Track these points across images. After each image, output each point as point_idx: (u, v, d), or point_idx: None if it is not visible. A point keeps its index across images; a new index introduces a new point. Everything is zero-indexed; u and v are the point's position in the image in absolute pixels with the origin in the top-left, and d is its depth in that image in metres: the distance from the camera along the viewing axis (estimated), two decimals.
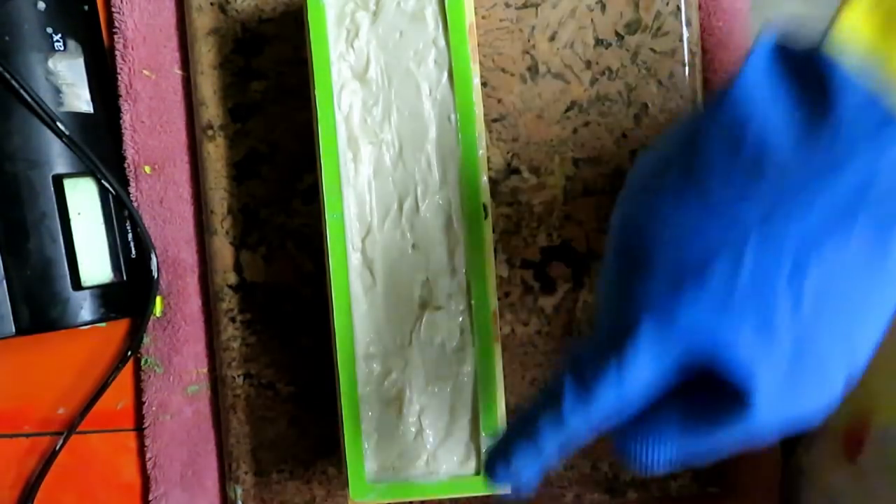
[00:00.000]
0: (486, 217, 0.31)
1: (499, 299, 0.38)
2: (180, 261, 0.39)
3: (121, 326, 0.40)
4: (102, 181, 0.37)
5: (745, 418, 0.22)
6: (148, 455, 0.39)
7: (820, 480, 0.37)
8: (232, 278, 0.38)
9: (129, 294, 0.38)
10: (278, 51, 0.38)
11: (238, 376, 0.39)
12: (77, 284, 0.36)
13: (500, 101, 0.38)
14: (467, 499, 0.38)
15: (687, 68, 0.38)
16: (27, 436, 0.40)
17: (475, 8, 0.36)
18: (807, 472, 0.38)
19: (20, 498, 0.40)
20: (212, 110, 0.38)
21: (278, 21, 0.38)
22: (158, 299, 0.39)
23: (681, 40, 0.37)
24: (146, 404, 0.39)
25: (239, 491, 0.39)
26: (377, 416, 0.31)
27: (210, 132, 0.38)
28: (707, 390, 0.22)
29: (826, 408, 0.22)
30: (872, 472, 0.33)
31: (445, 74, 0.31)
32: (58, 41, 0.36)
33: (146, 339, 0.39)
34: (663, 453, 0.24)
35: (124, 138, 0.38)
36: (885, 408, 0.33)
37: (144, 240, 0.38)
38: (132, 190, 0.39)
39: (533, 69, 0.38)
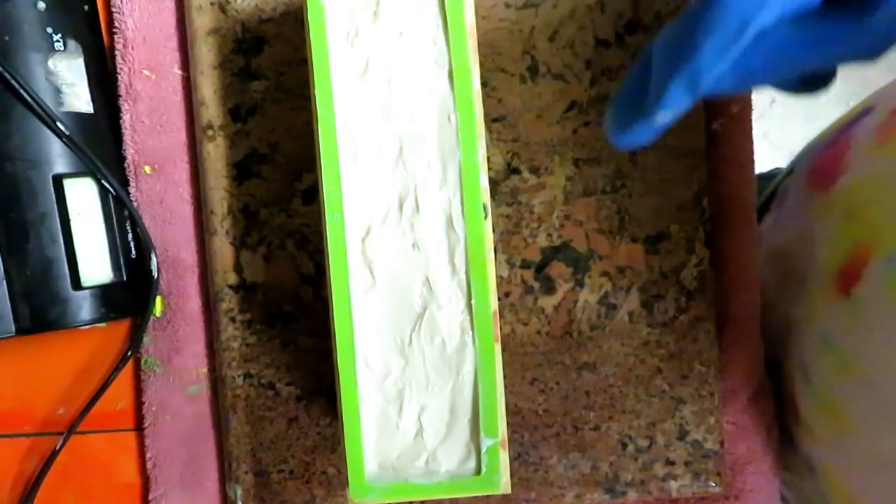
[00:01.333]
0: (486, 217, 0.31)
1: (499, 299, 0.38)
2: (180, 261, 0.39)
3: (121, 326, 0.40)
4: (102, 181, 0.37)
5: None
6: (148, 455, 0.39)
7: (811, 324, 0.38)
8: (232, 278, 0.38)
9: (129, 294, 0.38)
10: (278, 51, 0.38)
11: (238, 376, 0.39)
12: (77, 284, 0.36)
13: (500, 101, 0.38)
14: (467, 499, 0.38)
15: None
16: (27, 436, 0.40)
17: (475, 8, 0.36)
18: (798, 321, 0.39)
19: (20, 498, 0.40)
20: (212, 110, 0.38)
21: (278, 21, 0.38)
22: (158, 299, 0.39)
23: None
24: (146, 404, 0.39)
25: (239, 491, 0.39)
26: (377, 417, 0.31)
27: (210, 132, 0.38)
28: None
29: None
30: (870, 301, 0.34)
31: (445, 74, 0.31)
32: (58, 41, 0.36)
33: (146, 339, 0.39)
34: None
35: (124, 138, 0.38)
36: (887, 237, 0.34)
37: (144, 240, 0.38)
38: (132, 190, 0.39)
39: (533, 69, 0.38)
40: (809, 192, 0.42)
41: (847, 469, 0.38)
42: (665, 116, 0.25)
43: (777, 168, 0.66)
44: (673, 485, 0.39)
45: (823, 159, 0.42)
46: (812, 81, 0.26)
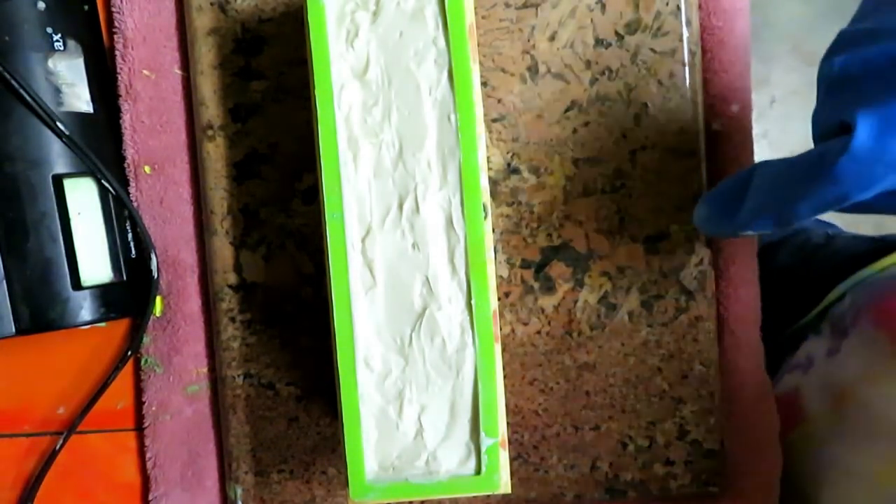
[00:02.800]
0: (486, 217, 0.31)
1: (499, 299, 0.38)
2: (180, 261, 0.39)
3: (121, 326, 0.40)
4: (102, 181, 0.37)
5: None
6: (148, 455, 0.39)
7: (875, 483, 0.36)
8: (232, 278, 0.38)
9: (129, 294, 0.38)
10: (278, 51, 0.38)
11: (238, 376, 0.39)
12: (77, 284, 0.36)
13: (500, 101, 0.38)
14: (467, 499, 0.38)
15: (687, 68, 0.38)
16: (27, 436, 0.40)
17: (475, 8, 0.36)
18: (854, 472, 0.37)
19: (20, 498, 0.40)
20: (212, 110, 0.38)
21: (278, 21, 0.38)
22: (158, 299, 0.39)
23: (681, 40, 0.37)
24: (146, 404, 0.39)
25: (239, 491, 0.39)
26: (377, 416, 0.31)
27: (210, 132, 0.38)
28: None
29: None
30: None
31: (445, 74, 0.31)
32: (58, 41, 0.36)
33: (146, 339, 0.39)
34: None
35: (124, 138, 0.38)
36: None
37: (144, 240, 0.38)
38: (132, 190, 0.39)
39: (533, 69, 0.38)
40: (876, 335, 0.39)
41: None
42: (747, 234, 0.29)
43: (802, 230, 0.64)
44: (673, 485, 0.39)
45: (891, 301, 0.39)
46: None
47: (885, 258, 0.46)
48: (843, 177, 0.24)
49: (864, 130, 0.23)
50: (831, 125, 0.25)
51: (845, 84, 0.26)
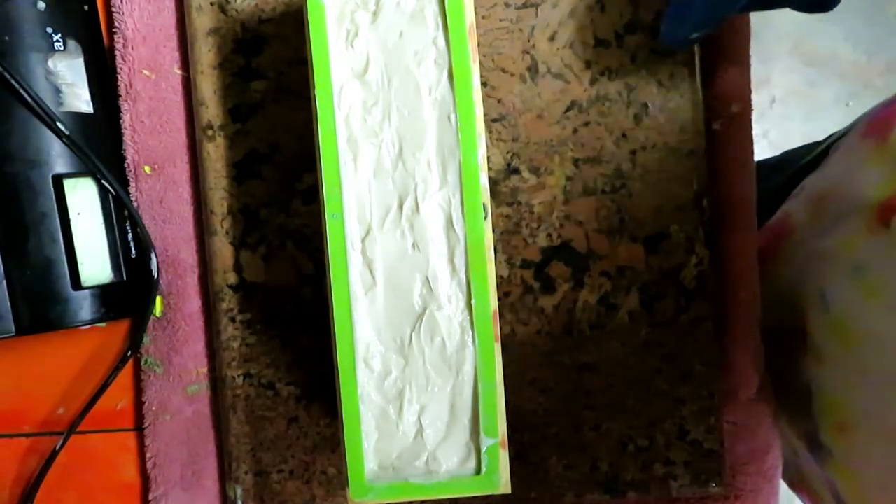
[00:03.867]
0: (486, 217, 0.31)
1: (499, 299, 0.38)
2: (180, 261, 0.39)
3: (121, 326, 0.40)
4: (102, 181, 0.37)
5: None
6: (148, 455, 0.39)
7: (843, 254, 0.39)
8: (232, 278, 0.38)
9: (129, 294, 0.38)
10: (278, 51, 0.38)
11: (238, 376, 0.39)
12: (77, 284, 0.36)
13: (500, 101, 0.38)
14: (467, 499, 0.38)
15: (687, 68, 0.38)
16: (27, 436, 0.40)
17: (475, 8, 0.36)
18: (826, 253, 0.40)
19: (20, 498, 0.40)
20: (212, 110, 0.38)
21: (278, 21, 0.38)
22: (158, 299, 0.39)
23: None
24: (146, 404, 0.39)
25: (239, 491, 0.39)
26: (377, 416, 0.31)
27: (210, 132, 0.38)
28: None
29: None
30: None
31: (445, 74, 0.31)
32: (58, 41, 0.36)
33: (146, 339, 0.39)
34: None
35: (124, 138, 0.38)
36: None
37: (144, 240, 0.38)
38: (132, 190, 0.39)
39: (533, 69, 0.38)
40: (863, 141, 0.42)
41: (848, 383, 0.39)
42: (693, 38, 0.35)
43: (813, 142, 0.67)
44: (673, 485, 0.39)
45: (883, 113, 0.43)
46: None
47: None
48: None
49: None
50: None
51: None
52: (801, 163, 0.53)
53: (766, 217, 0.48)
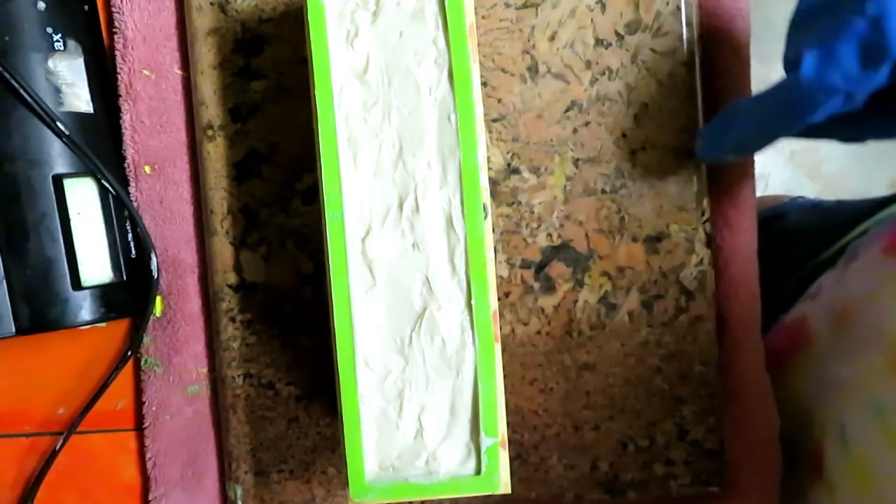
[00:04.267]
0: (486, 217, 0.31)
1: (499, 299, 0.38)
2: (180, 261, 0.39)
3: (121, 326, 0.40)
4: (102, 181, 0.37)
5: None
6: (148, 455, 0.39)
7: (864, 390, 0.37)
8: (232, 278, 0.38)
9: (129, 294, 0.38)
10: (278, 51, 0.38)
11: (238, 376, 0.39)
12: (77, 284, 0.36)
13: (500, 101, 0.38)
14: (467, 499, 0.38)
15: (687, 68, 0.38)
16: (27, 436, 0.40)
17: (475, 8, 0.36)
18: (847, 383, 0.39)
19: (20, 498, 0.40)
20: (212, 110, 0.38)
21: (278, 21, 0.38)
22: (158, 299, 0.39)
23: (681, 40, 0.37)
24: (146, 404, 0.39)
25: (239, 491, 0.39)
26: (377, 416, 0.31)
27: (210, 132, 0.38)
28: None
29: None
30: None
31: (445, 74, 0.31)
32: (58, 41, 0.36)
33: (146, 339, 0.39)
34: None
35: (124, 138, 0.38)
36: None
37: (144, 240, 0.38)
38: (132, 190, 0.39)
39: (533, 69, 0.38)
40: (884, 259, 0.41)
41: None
42: (732, 158, 0.34)
43: (800, 197, 0.65)
44: (673, 485, 0.39)
45: None
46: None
47: None
48: (794, 102, 0.30)
49: (808, 63, 0.29)
50: (790, 61, 0.31)
51: (798, 26, 0.31)
52: (819, 258, 0.51)
53: (774, 287, 0.45)
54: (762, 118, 0.32)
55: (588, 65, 0.38)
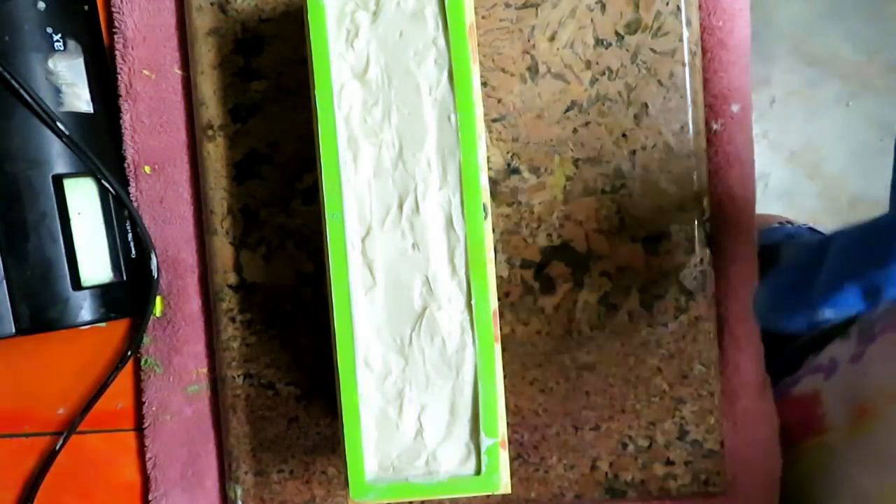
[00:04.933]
0: (486, 217, 0.31)
1: (499, 299, 0.38)
2: (180, 261, 0.39)
3: (121, 326, 0.40)
4: (102, 181, 0.37)
5: None
6: (148, 455, 0.39)
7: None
8: (232, 278, 0.38)
9: (129, 294, 0.38)
10: (278, 51, 0.38)
11: (238, 376, 0.39)
12: (77, 284, 0.36)
13: (500, 101, 0.38)
14: (467, 499, 0.38)
15: (687, 68, 0.38)
16: (27, 436, 0.40)
17: (475, 8, 0.36)
18: (869, 498, 0.36)
19: (20, 498, 0.40)
20: (212, 110, 0.38)
21: (278, 21, 0.38)
22: (158, 299, 0.39)
23: (681, 40, 0.37)
24: (146, 404, 0.39)
25: (239, 491, 0.39)
26: (377, 416, 0.31)
27: (210, 132, 0.38)
28: None
29: None
30: None
31: (445, 74, 0.31)
32: (58, 41, 0.36)
33: (146, 339, 0.39)
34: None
35: (124, 138, 0.38)
36: None
37: (144, 240, 0.38)
38: (132, 190, 0.39)
39: (533, 69, 0.38)
40: None
41: None
42: (830, 314, 0.24)
43: (799, 226, 0.63)
44: (673, 485, 0.39)
45: None
46: None
47: None
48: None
49: None
50: None
51: None
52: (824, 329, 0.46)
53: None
54: (879, 253, 0.23)
55: (588, 65, 0.38)
